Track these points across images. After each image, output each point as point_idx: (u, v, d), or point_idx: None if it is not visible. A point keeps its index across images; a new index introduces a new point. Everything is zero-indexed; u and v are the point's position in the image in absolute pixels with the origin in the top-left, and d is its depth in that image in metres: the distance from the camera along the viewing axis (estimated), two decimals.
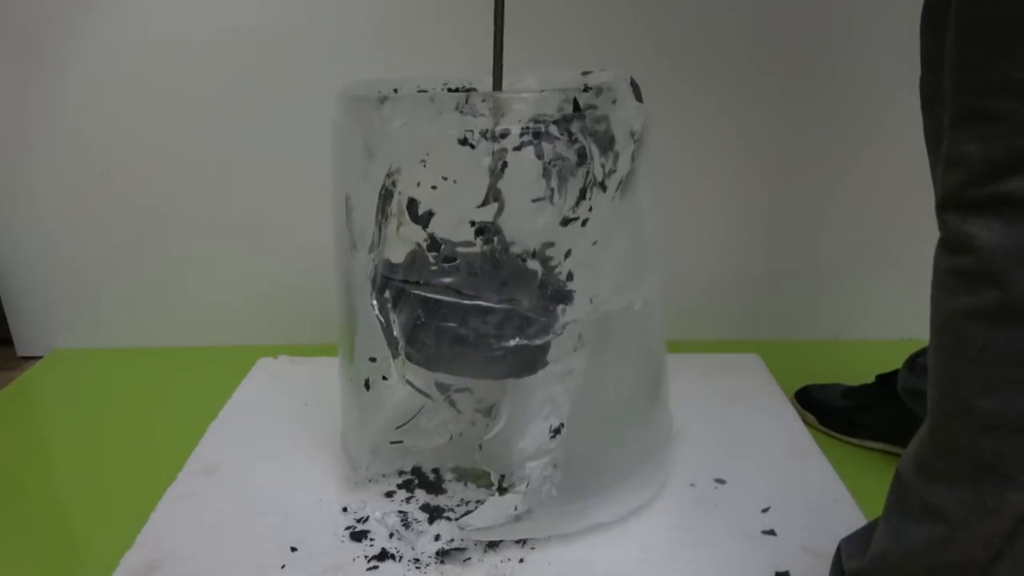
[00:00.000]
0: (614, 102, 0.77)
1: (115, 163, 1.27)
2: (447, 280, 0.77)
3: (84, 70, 1.21)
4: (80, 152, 1.26)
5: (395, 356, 0.82)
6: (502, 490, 0.81)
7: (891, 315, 1.32)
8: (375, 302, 0.81)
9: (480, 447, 0.82)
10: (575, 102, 0.74)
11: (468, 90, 0.90)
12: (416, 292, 0.78)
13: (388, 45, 1.20)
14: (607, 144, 0.75)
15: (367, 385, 0.87)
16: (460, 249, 0.78)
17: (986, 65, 0.51)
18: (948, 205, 0.55)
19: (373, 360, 0.85)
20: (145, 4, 1.18)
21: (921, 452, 0.60)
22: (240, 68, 1.21)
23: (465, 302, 0.77)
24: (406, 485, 0.95)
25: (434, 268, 0.78)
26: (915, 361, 0.98)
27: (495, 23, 0.77)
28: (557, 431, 0.79)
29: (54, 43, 1.20)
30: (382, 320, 0.81)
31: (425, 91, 0.90)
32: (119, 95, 1.23)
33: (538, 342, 0.77)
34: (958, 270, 0.55)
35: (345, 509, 0.91)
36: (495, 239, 0.76)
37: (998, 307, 0.52)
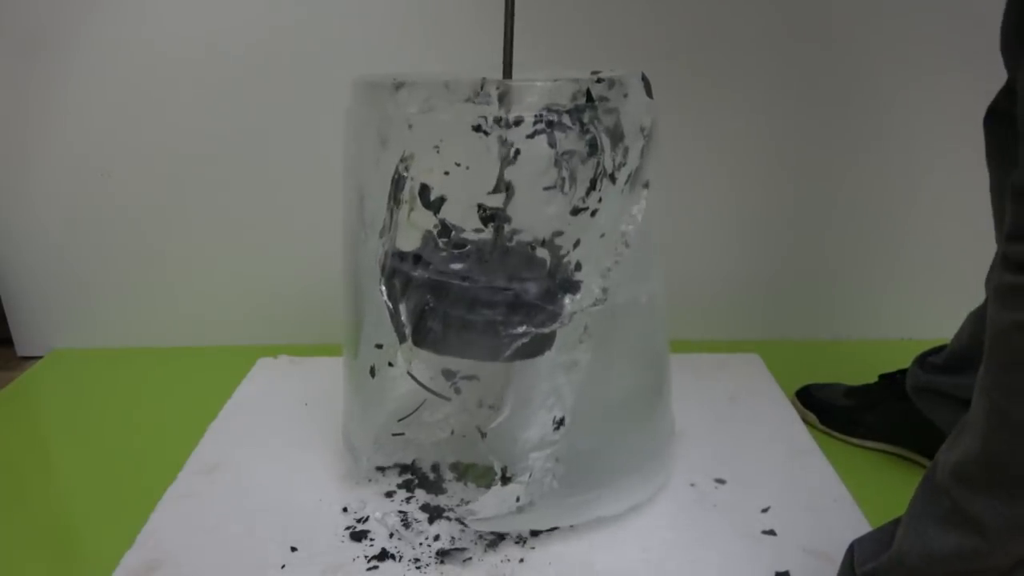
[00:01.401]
0: (625, 96, 0.77)
1: (115, 163, 1.27)
2: (456, 266, 0.78)
3: (84, 69, 1.21)
4: (80, 152, 1.26)
5: (402, 340, 0.82)
6: (505, 480, 0.81)
7: (892, 315, 1.32)
8: (384, 287, 0.81)
9: (484, 435, 0.82)
10: (588, 92, 0.74)
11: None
12: (425, 278, 0.78)
13: (394, 45, 1.20)
14: (617, 137, 0.75)
15: (372, 372, 0.87)
16: (469, 236, 0.78)
17: None
18: (1021, 236, 0.55)
19: (379, 347, 0.85)
20: (145, 3, 1.18)
21: (964, 463, 0.60)
22: (240, 68, 1.21)
23: (474, 289, 0.77)
24: (406, 485, 0.95)
25: (444, 254, 0.78)
26: (925, 360, 0.98)
27: (505, 18, 0.77)
28: (561, 422, 0.79)
29: (54, 43, 1.20)
30: (390, 305, 0.81)
31: None
32: (119, 95, 1.23)
33: (545, 331, 0.77)
34: (1020, 286, 0.55)
35: (345, 509, 0.91)
36: (504, 226, 0.76)
37: None
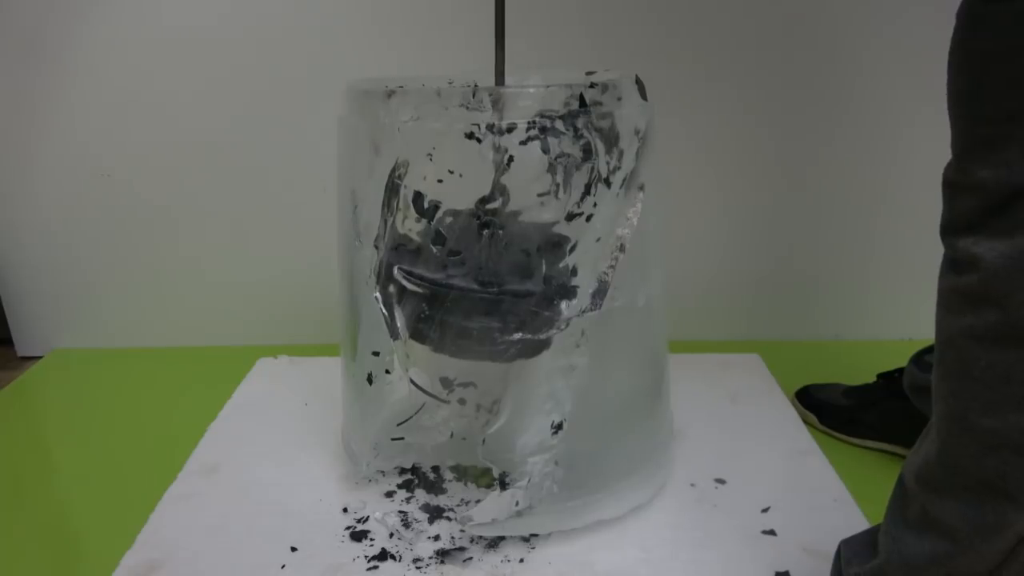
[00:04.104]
0: (619, 99, 0.77)
1: (115, 163, 1.27)
2: (451, 273, 0.77)
3: (84, 69, 1.21)
4: (80, 152, 1.26)
5: (395, 338, 0.81)
6: (503, 485, 0.81)
7: (891, 315, 1.32)
8: (379, 295, 0.81)
9: (483, 441, 0.82)
10: (581, 97, 0.74)
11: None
12: (420, 285, 0.78)
13: (391, 46, 1.20)
14: (612, 141, 0.75)
15: (369, 380, 0.87)
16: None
17: (1001, 94, 0.51)
18: (959, 230, 0.55)
19: (376, 354, 0.85)
20: (146, 3, 1.18)
21: (926, 467, 0.60)
22: (240, 68, 1.21)
23: (469, 295, 0.77)
24: (406, 485, 0.95)
25: (439, 261, 0.78)
26: (921, 358, 0.98)
27: (496, 21, 0.77)
28: (559, 427, 0.79)
29: (54, 43, 1.20)
30: (385, 313, 0.81)
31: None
32: (119, 95, 1.23)
33: (542, 337, 0.77)
34: (962, 290, 0.55)
35: (345, 509, 0.91)
36: (499, 233, 0.76)
37: (1001, 328, 0.52)
